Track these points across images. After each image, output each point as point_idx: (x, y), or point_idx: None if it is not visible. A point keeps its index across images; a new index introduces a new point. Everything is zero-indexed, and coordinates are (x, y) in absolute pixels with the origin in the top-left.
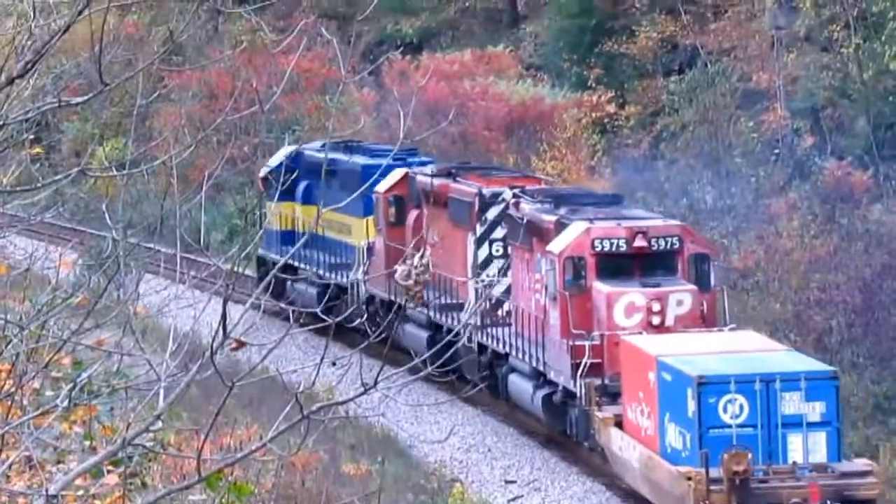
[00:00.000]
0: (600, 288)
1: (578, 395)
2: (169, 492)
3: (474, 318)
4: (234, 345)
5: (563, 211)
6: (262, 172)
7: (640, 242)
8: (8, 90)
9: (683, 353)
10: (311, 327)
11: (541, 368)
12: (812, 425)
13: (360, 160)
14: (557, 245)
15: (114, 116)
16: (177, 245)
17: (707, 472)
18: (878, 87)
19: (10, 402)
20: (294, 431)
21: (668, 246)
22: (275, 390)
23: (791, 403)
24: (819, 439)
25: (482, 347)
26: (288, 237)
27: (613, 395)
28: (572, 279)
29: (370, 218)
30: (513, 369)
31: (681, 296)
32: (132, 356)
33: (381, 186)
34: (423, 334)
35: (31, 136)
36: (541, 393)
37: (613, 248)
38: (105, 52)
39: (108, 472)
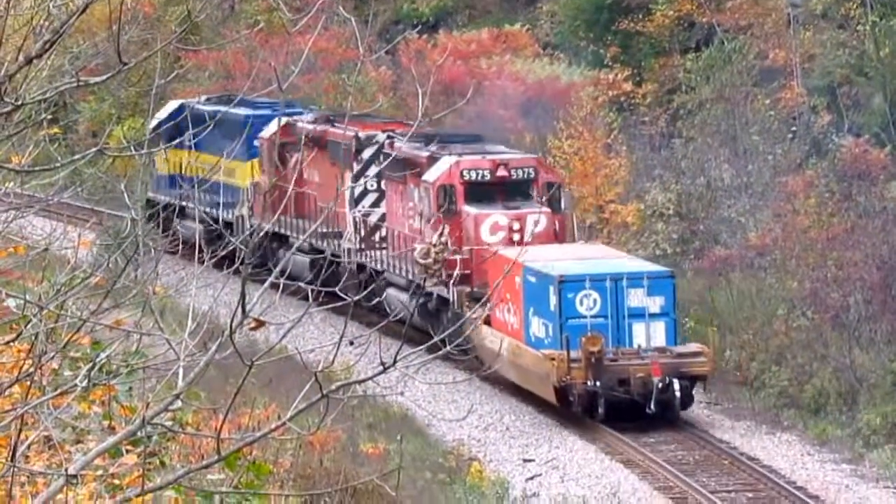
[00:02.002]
0: (468, 211)
1: (451, 300)
2: (188, 471)
3: (353, 243)
4: (252, 324)
5: (433, 147)
6: (152, 124)
7: (501, 172)
8: (26, 70)
9: (544, 259)
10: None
11: (417, 280)
12: (653, 316)
13: (243, 111)
14: (431, 175)
15: (131, 96)
16: (196, 224)
17: (568, 353)
18: (894, 64)
19: (29, 383)
20: (312, 411)
21: (525, 175)
22: (293, 369)
23: (636, 298)
24: (659, 327)
25: (361, 267)
26: (174, 181)
27: (480, 300)
28: (444, 204)
29: (254, 161)
30: (389, 284)
31: (537, 217)
32: (151, 336)
33: (266, 132)
34: (306, 259)
35: (49, 117)
36: (416, 301)
37: (479, 178)
38: (122, 31)
39: (127, 451)
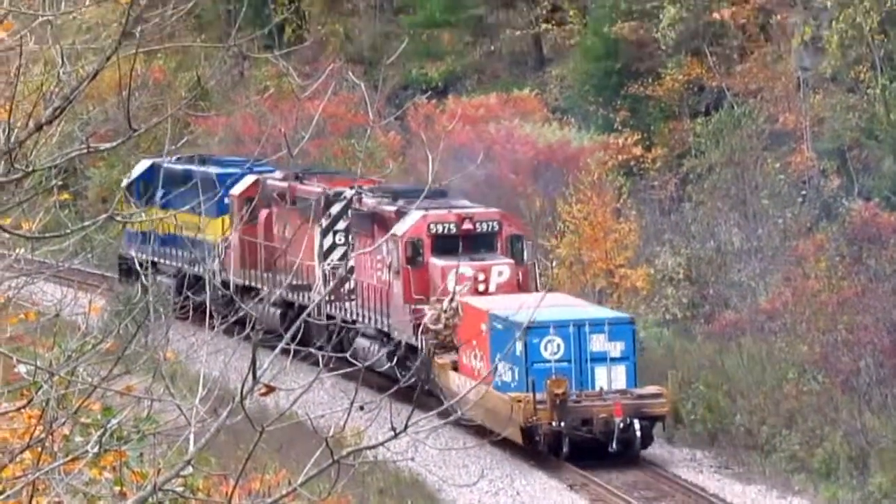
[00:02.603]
0: (436, 262)
1: (419, 348)
2: None
3: (322, 295)
4: (263, 390)
5: (401, 202)
6: (124, 183)
7: (467, 226)
8: (36, 137)
9: (509, 308)
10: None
11: (385, 329)
12: (614, 360)
13: (214, 169)
14: (399, 229)
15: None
16: (207, 291)
17: (534, 396)
18: None
19: (40, 449)
20: (323, 476)
21: (490, 228)
22: (304, 435)
23: (597, 343)
24: (620, 371)
25: (329, 318)
26: (146, 237)
27: (448, 348)
28: (412, 256)
29: (224, 217)
30: (357, 333)
31: (501, 268)
32: (162, 402)
33: (236, 190)
34: (277, 311)
35: (59, 183)
36: (385, 350)
37: (445, 231)
38: (132, 97)
39: None
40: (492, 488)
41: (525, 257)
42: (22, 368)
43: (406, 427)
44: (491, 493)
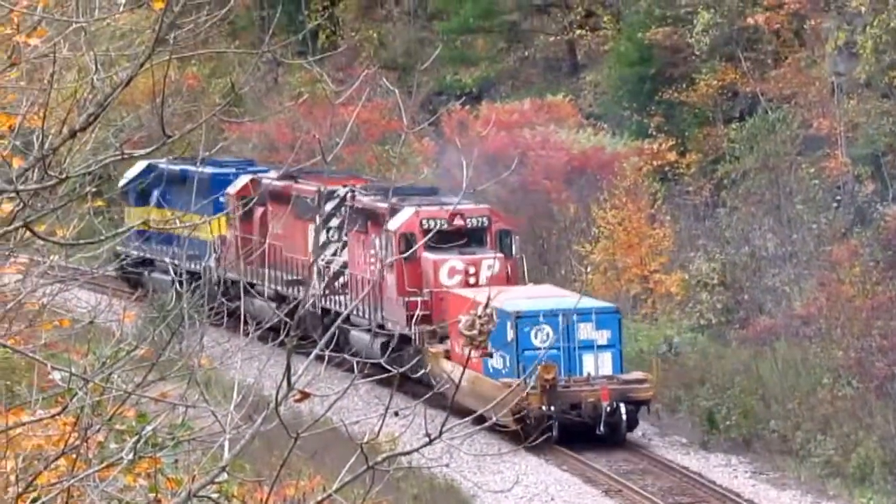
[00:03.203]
0: (428, 256)
1: (413, 338)
2: None
3: (317, 289)
4: (298, 396)
5: (394, 200)
6: (121, 183)
7: (458, 221)
8: (70, 143)
9: (500, 298)
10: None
11: (379, 321)
12: (601, 347)
13: (209, 170)
14: (393, 224)
15: None
16: (241, 298)
17: (525, 381)
18: None
19: (75, 456)
20: (358, 482)
21: (480, 224)
22: (338, 441)
23: (585, 331)
24: (606, 357)
25: (325, 311)
26: (144, 235)
27: (440, 338)
28: (406, 250)
29: (221, 215)
30: (352, 325)
31: (490, 261)
32: (196, 408)
33: (232, 189)
34: (272, 305)
35: (93, 190)
36: (379, 340)
37: (437, 226)
38: (166, 104)
39: None
40: (526, 494)
41: (513, 251)
42: (56, 375)
43: (441, 433)
44: (526, 499)
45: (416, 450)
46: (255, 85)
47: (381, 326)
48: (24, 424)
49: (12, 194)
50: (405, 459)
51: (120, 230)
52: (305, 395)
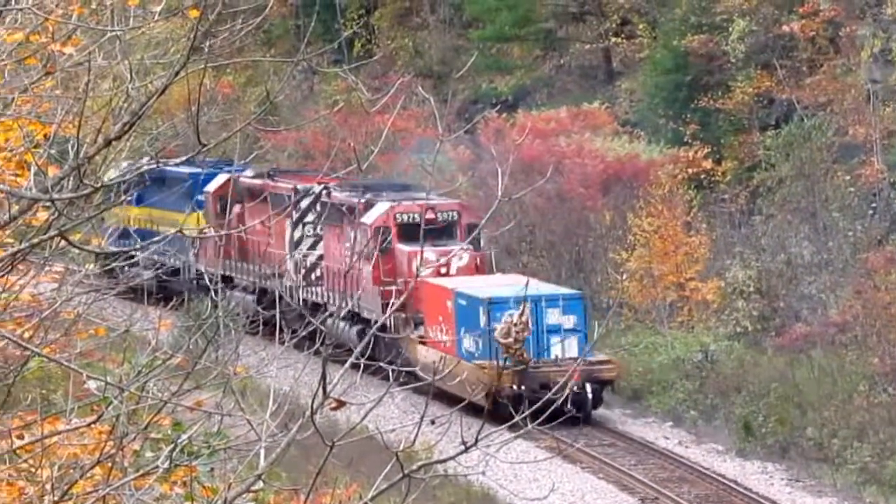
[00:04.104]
0: (402, 248)
1: (388, 325)
2: None
3: (294, 281)
4: (333, 405)
5: (368, 195)
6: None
7: (430, 215)
8: (105, 152)
9: (472, 286)
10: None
11: (356, 310)
12: (567, 331)
13: (186, 169)
14: (369, 218)
15: None
16: (276, 305)
17: (497, 363)
18: None
19: (110, 464)
20: (394, 490)
21: (450, 218)
22: (374, 449)
23: (553, 316)
24: (573, 341)
25: (304, 302)
26: (124, 233)
27: (415, 324)
28: (381, 243)
29: (199, 213)
30: (329, 314)
31: (461, 253)
32: (232, 417)
33: (210, 187)
34: (250, 297)
35: (129, 198)
36: (355, 328)
37: (410, 220)
38: (201, 112)
39: None
40: (563, 502)
41: (482, 243)
42: (92, 384)
43: (476, 441)
44: None
45: (453, 458)
46: (291, 93)
47: (357, 315)
48: (59, 433)
49: (47, 203)
50: (441, 467)
51: (155, 238)
52: (341, 404)
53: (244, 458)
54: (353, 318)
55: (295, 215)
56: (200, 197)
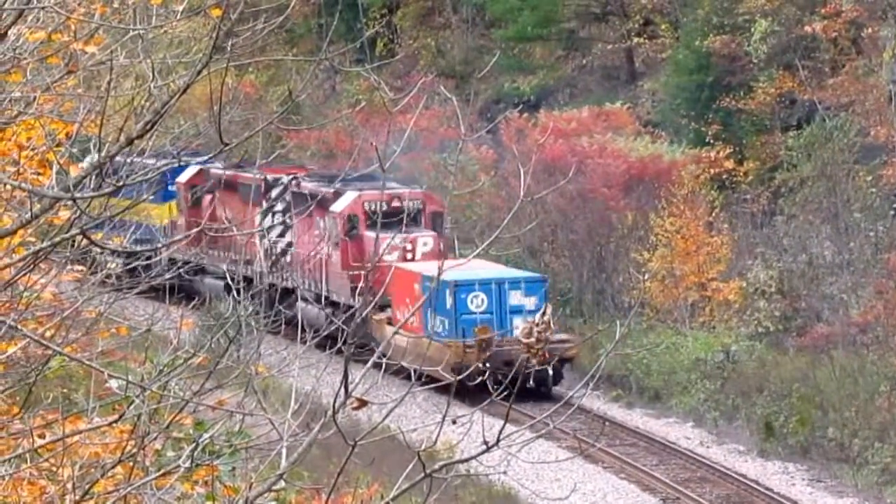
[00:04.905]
0: (370, 235)
1: (356, 306)
2: None
3: (265, 267)
4: (355, 404)
5: (337, 185)
6: (74, 176)
7: (396, 203)
8: (127, 151)
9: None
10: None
11: (325, 294)
12: (529, 311)
13: (153, 161)
14: (338, 206)
15: None
16: (297, 307)
17: (464, 341)
18: None
19: (132, 463)
20: (416, 490)
21: (415, 206)
22: (395, 449)
23: (515, 297)
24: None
25: (271, 286)
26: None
27: (382, 307)
28: (349, 229)
29: (171, 203)
30: (298, 298)
31: (425, 239)
32: (254, 416)
33: (182, 178)
34: (220, 283)
35: (151, 198)
36: (324, 311)
37: (377, 208)
38: (223, 112)
39: None
40: (584, 501)
41: (445, 230)
42: (114, 383)
43: (498, 441)
44: None
45: (474, 457)
46: (313, 93)
47: (327, 298)
48: (81, 432)
49: (69, 202)
50: (463, 467)
51: (177, 237)
52: (363, 403)
53: (266, 457)
54: (321, 301)
55: (265, 204)
56: (172, 188)
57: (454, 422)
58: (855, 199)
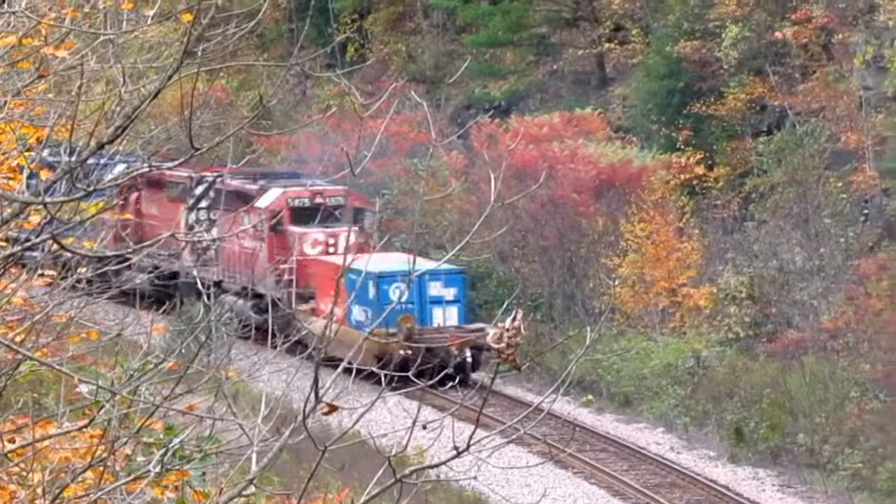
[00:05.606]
0: (293, 230)
1: (282, 299)
2: None
3: (190, 262)
4: (326, 409)
5: (262, 182)
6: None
7: (319, 200)
8: (98, 156)
9: (361, 263)
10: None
11: (251, 286)
12: (448, 302)
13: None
14: (263, 203)
15: None
16: (269, 311)
17: (387, 329)
18: None
19: (102, 468)
20: (386, 495)
21: (337, 202)
22: (366, 454)
23: (435, 289)
24: (452, 311)
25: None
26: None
27: (306, 298)
28: (274, 225)
29: (98, 200)
30: (223, 291)
31: (347, 233)
32: (224, 421)
33: (109, 176)
34: (146, 277)
35: (122, 202)
36: (250, 303)
37: (301, 204)
38: (194, 117)
39: None
40: None
41: (366, 225)
42: (84, 388)
43: (468, 446)
44: None
45: (444, 462)
46: (284, 98)
47: (253, 290)
48: (51, 437)
49: (40, 206)
50: (433, 472)
51: (148, 242)
52: (333, 408)
53: (236, 462)
54: (246, 293)
55: (190, 200)
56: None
57: (424, 427)
58: (825, 204)
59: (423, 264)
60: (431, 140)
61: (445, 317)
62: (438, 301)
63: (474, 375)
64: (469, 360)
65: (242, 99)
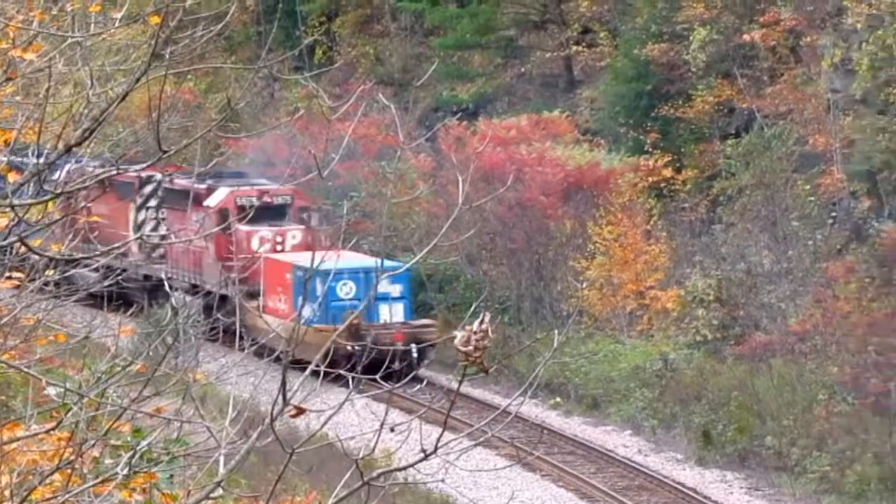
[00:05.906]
0: (241, 228)
1: (230, 296)
2: None
3: (138, 259)
4: (293, 412)
5: (210, 181)
6: None
7: (266, 199)
8: (65, 158)
9: (308, 260)
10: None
11: (199, 284)
12: (394, 299)
13: (32, 160)
14: (212, 202)
15: None
16: (236, 313)
17: (334, 325)
18: None
19: (70, 471)
20: (354, 498)
21: (284, 201)
22: (334, 456)
23: (382, 286)
24: (398, 307)
25: (146, 277)
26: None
27: (253, 295)
28: (222, 223)
29: (49, 200)
30: (172, 288)
31: (294, 232)
32: (192, 423)
33: (59, 175)
34: (95, 274)
35: (89, 205)
36: (198, 300)
37: (249, 203)
38: (162, 119)
39: None
40: None
41: (313, 224)
42: (51, 390)
43: (436, 449)
44: None
45: (412, 465)
46: (252, 100)
47: (201, 288)
48: (18, 439)
49: (7, 209)
50: (401, 475)
51: (116, 244)
52: (301, 411)
53: (204, 464)
54: (195, 290)
55: (139, 200)
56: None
57: (392, 429)
58: (793, 207)
59: (370, 261)
60: (399, 143)
61: (391, 312)
62: (385, 298)
63: (422, 371)
64: (415, 355)
65: (210, 101)
